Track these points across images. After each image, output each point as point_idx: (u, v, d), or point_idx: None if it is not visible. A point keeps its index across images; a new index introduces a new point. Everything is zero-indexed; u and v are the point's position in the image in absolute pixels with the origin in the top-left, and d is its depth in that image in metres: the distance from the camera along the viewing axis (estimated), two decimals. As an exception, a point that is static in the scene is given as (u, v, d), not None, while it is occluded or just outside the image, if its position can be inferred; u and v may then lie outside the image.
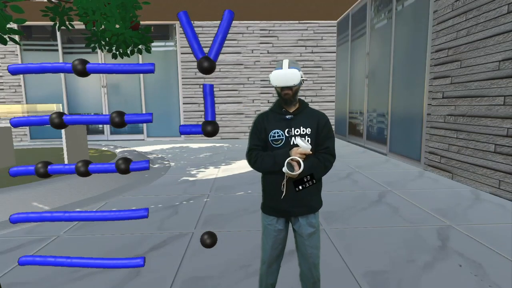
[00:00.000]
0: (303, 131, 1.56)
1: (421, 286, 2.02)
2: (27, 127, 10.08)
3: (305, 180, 1.51)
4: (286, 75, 1.49)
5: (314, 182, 1.52)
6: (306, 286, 1.70)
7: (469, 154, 4.29)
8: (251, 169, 5.75)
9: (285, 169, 1.45)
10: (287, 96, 1.54)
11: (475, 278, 2.09)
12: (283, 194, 1.54)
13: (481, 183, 4.10)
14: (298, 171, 1.45)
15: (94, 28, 4.36)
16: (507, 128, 3.69)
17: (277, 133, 1.56)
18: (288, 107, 1.60)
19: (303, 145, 1.45)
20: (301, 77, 1.52)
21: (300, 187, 1.52)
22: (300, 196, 1.56)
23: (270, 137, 1.57)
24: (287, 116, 1.58)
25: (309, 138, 1.56)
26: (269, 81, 1.55)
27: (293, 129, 1.56)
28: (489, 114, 3.95)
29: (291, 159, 1.46)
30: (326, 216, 3.26)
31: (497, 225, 2.97)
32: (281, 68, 1.51)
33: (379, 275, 2.15)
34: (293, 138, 1.55)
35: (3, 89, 10.05)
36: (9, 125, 5.42)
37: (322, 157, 1.56)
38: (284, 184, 1.54)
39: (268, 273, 1.70)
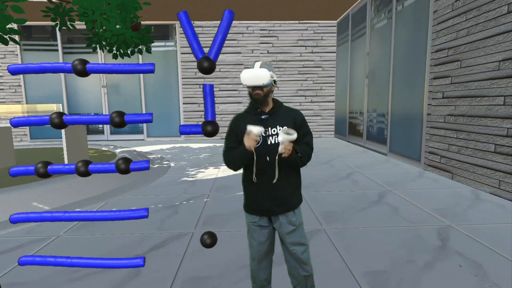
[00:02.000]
0: (280, 130, 1.58)
1: (421, 286, 2.02)
2: (27, 127, 10.08)
3: (299, 156, 1.55)
4: (254, 75, 1.50)
5: (303, 161, 1.57)
6: (296, 280, 1.72)
7: (469, 154, 4.29)
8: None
9: (281, 137, 1.45)
10: (257, 96, 1.54)
11: (475, 278, 2.09)
12: (276, 178, 1.55)
13: (481, 183, 4.10)
14: (294, 135, 1.46)
15: (95, 29, 4.36)
16: (507, 128, 3.69)
17: None
18: (262, 107, 1.60)
19: (287, 137, 1.45)
20: (272, 78, 1.53)
21: (300, 155, 1.54)
22: (280, 194, 1.59)
23: None
24: (262, 116, 1.59)
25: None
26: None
27: (269, 128, 1.58)
28: (489, 114, 3.95)
29: (284, 129, 1.49)
30: (326, 216, 3.26)
31: (497, 225, 2.97)
32: (253, 68, 1.53)
33: (379, 275, 2.15)
34: (270, 138, 1.56)
35: (3, 89, 10.05)
36: (9, 125, 5.42)
37: (304, 147, 1.61)
38: (276, 166, 1.54)
39: (259, 269, 1.71)
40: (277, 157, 1.53)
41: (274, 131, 1.57)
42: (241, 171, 1.68)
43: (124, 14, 4.24)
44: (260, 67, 1.52)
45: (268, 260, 1.72)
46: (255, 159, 1.56)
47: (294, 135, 1.45)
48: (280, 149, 1.47)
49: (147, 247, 2.63)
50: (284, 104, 1.69)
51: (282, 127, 1.58)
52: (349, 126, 9.11)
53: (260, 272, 1.71)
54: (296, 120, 1.62)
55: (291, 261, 1.68)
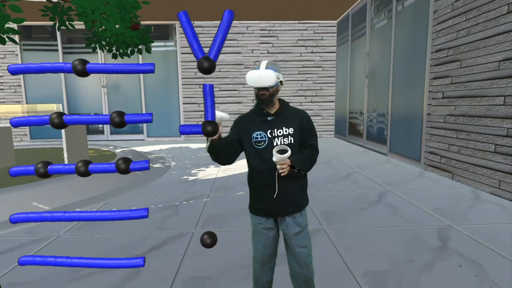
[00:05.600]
0: (286, 131, 1.58)
1: (421, 286, 2.02)
2: (27, 127, 10.08)
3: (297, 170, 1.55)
4: (260, 77, 1.49)
5: (303, 173, 1.57)
6: (298, 285, 1.70)
7: (469, 154, 4.29)
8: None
9: (275, 157, 1.45)
10: (263, 96, 1.53)
11: (475, 278, 2.09)
12: (276, 193, 1.56)
13: (481, 183, 4.09)
14: (288, 153, 1.46)
15: (94, 28, 4.36)
16: (507, 128, 3.69)
17: (260, 134, 1.57)
18: (268, 108, 1.59)
19: (281, 156, 1.46)
20: (278, 79, 1.52)
21: (297, 170, 1.53)
22: (287, 195, 1.59)
23: (253, 139, 1.58)
24: (268, 118, 1.58)
25: (292, 138, 1.57)
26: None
27: (275, 129, 1.57)
28: (489, 114, 3.95)
29: (276, 148, 1.49)
30: (326, 216, 3.26)
31: (497, 225, 2.97)
32: (258, 69, 1.52)
33: (379, 275, 2.15)
34: (276, 139, 1.56)
35: (3, 89, 10.05)
36: (9, 125, 5.42)
37: (308, 152, 1.60)
38: (276, 182, 1.55)
39: (262, 271, 1.70)
40: (276, 174, 1.54)
41: (280, 132, 1.57)
42: (245, 171, 1.67)
43: (123, 14, 4.23)
44: (266, 67, 1.51)
45: (271, 264, 1.71)
46: (260, 162, 1.55)
47: (287, 153, 1.46)
48: (278, 168, 1.48)
49: (147, 247, 2.63)
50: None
51: (288, 129, 1.58)
52: (349, 126, 9.11)
53: (263, 274, 1.70)
54: (302, 121, 1.61)
55: (294, 264, 1.66)
